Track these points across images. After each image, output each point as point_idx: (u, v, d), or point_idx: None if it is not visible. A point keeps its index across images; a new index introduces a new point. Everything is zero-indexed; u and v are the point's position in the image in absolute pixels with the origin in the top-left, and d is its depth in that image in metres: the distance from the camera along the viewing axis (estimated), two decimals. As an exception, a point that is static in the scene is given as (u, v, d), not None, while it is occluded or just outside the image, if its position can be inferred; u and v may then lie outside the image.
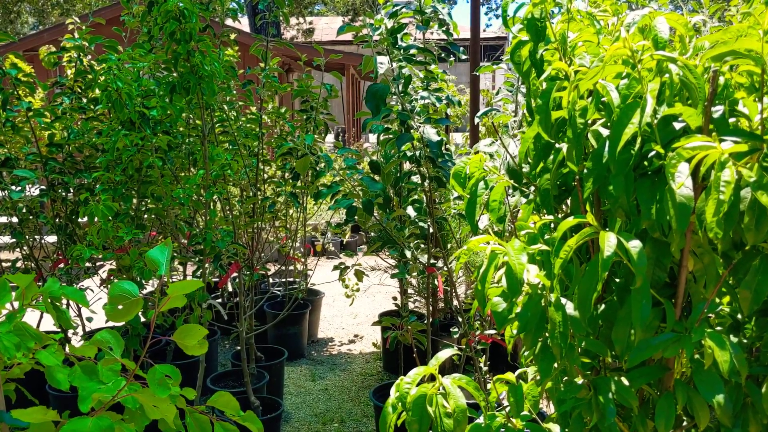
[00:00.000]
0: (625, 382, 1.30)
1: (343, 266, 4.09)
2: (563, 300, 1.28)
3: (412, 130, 2.58)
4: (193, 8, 2.89)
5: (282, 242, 5.44)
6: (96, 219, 2.88)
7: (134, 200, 3.29)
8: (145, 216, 3.39)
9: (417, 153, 2.55)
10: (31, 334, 1.27)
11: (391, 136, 2.84)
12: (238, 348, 4.16)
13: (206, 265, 3.30)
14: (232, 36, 4.35)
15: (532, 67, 1.45)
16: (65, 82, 4.04)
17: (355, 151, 3.08)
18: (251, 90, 3.78)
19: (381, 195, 2.80)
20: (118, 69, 2.99)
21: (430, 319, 3.21)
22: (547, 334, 1.26)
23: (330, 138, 14.41)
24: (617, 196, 1.23)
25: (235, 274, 4.12)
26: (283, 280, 5.49)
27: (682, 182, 1.12)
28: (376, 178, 2.87)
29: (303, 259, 5.33)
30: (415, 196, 2.80)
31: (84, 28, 3.92)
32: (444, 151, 2.58)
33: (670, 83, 1.22)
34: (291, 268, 5.56)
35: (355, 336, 5.69)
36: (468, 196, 1.48)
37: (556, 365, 1.30)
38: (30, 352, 1.40)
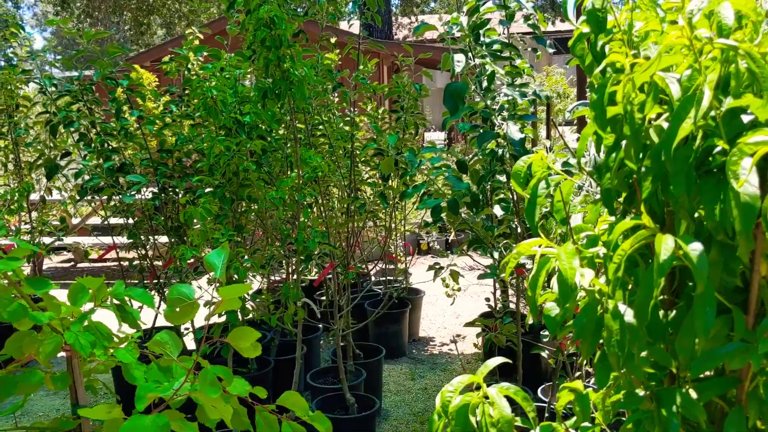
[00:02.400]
0: (693, 394, 1.22)
1: (437, 266, 4.08)
2: (622, 307, 1.21)
3: (496, 128, 2.53)
4: (283, 15, 2.96)
5: (383, 241, 5.49)
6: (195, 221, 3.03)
7: (234, 202, 3.43)
8: (244, 217, 3.51)
9: (500, 151, 2.50)
10: (102, 333, 1.36)
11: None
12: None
13: (307, 264, 3.39)
14: (333, 39, 4.45)
15: (594, 61, 1.38)
16: (174, 91, 4.28)
17: (441, 148, 3.06)
18: (346, 92, 3.84)
19: (467, 194, 2.76)
20: (216, 77, 3.12)
21: (520, 321, 3.14)
22: (602, 342, 1.20)
23: (441, 135, 14.40)
24: (678, 195, 1.15)
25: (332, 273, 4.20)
26: (384, 278, 5.54)
27: (743, 180, 1.03)
28: (464, 177, 2.84)
29: (402, 258, 5.36)
30: (502, 195, 2.75)
31: (200, 36, 4.13)
32: (530, 149, 2.51)
33: (736, 73, 1.12)
34: (392, 267, 5.60)
35: (457, 336, 5.66)
36: (528, 197, 1.44)
37: (614, 374, 1.23)
38: (108, 349, 1.49)
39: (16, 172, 5.28)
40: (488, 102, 2.49)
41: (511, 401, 1.30)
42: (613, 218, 1.32)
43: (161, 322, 4.86)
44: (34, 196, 5.97)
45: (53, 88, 4.10)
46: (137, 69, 5.65)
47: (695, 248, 1.10)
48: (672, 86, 1.15)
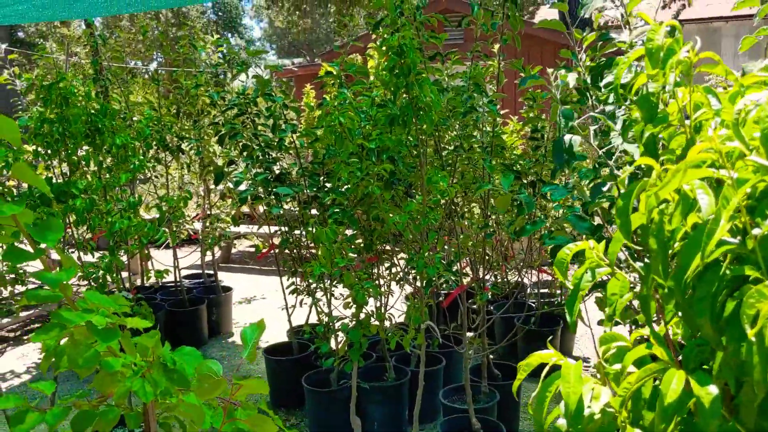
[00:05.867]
0: None
1: (580, 292, 3.88)
2: (641, 436, 1.10)
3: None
4: (412, 44, 2.97)
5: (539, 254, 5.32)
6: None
7: (364, 222, 3.52)
8: (374, 235, 3.58)
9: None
10: (157, 383, 1.49)
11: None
12: (479, 363, 4.21)
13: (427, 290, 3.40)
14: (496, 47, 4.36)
15: (646, 153, 1.24)
16: (327, 105, 4.46)
17: (563, 187, 2.89)
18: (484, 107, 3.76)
19: (588, 235, 2.61)
20: (351, 103, 3.21)
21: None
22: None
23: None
24: (701, 325, 1.02)
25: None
26: (538, 291, 5.37)
27: (756, 329, 0.88)
28: (585, 216, 2.68)
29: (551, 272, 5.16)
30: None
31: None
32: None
33: (778, 192, 0.96)
34: (546, 278, 5.42)
35: (612, 359, 5.35)
36: (571, 288, 1.34)
37: None
38: (177, 393, 1.62)
39: (200, 172, 5.82)
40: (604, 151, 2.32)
41: None
42: (646, 330, 1.19)
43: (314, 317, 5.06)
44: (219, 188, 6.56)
45: (222, 101, 4.46)
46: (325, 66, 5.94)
47: (710, 392, 0.97)
48: (702, 200, 1.01)
